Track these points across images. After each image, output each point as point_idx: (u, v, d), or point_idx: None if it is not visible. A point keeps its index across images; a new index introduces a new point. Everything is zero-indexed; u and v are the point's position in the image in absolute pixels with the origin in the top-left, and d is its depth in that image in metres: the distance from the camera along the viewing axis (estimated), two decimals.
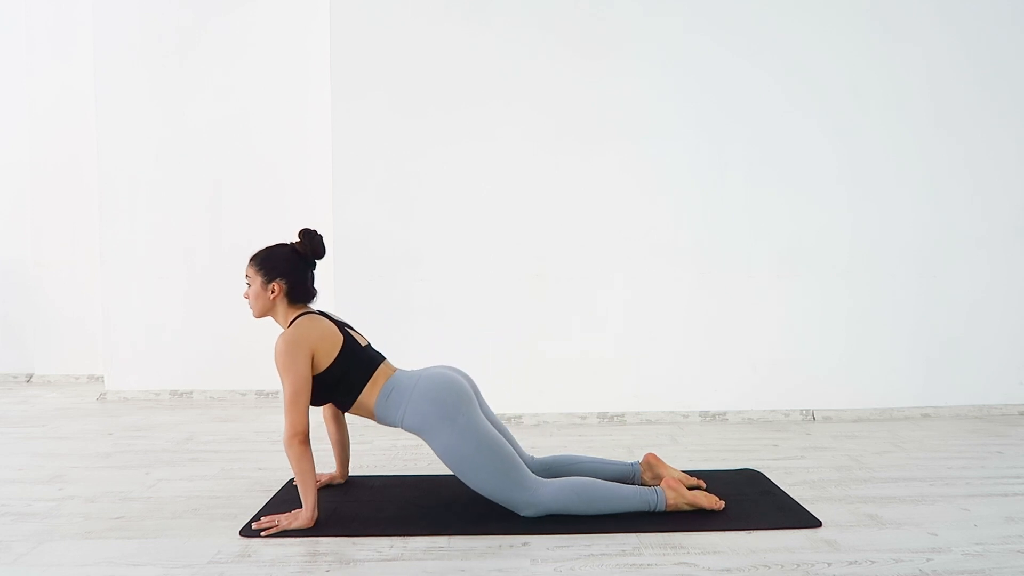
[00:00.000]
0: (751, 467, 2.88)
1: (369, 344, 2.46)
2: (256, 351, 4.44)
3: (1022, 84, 3.81)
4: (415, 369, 2.41)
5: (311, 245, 2.39)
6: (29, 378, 5.24)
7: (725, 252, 3.78)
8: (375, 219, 3.75)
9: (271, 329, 4.39)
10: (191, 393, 4.48)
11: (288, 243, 2.42)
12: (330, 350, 2.29)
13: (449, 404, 2.24)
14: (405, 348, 3.72)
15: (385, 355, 2.48)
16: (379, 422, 2.36)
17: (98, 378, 5.06)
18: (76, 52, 5.04)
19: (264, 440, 3.40)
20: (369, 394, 2.32)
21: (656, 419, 3.75)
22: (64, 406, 4.27)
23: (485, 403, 2.51)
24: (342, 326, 2.40)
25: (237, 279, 4.46)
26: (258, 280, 2.36)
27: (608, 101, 3.74)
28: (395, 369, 2.41)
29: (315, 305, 2.47)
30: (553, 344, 3.76)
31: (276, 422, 3.80)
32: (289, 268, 2.37)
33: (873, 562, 1.97)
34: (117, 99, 4.47)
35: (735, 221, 3.77)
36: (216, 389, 4.49)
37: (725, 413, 3.78)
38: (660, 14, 3.73)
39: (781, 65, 3.75)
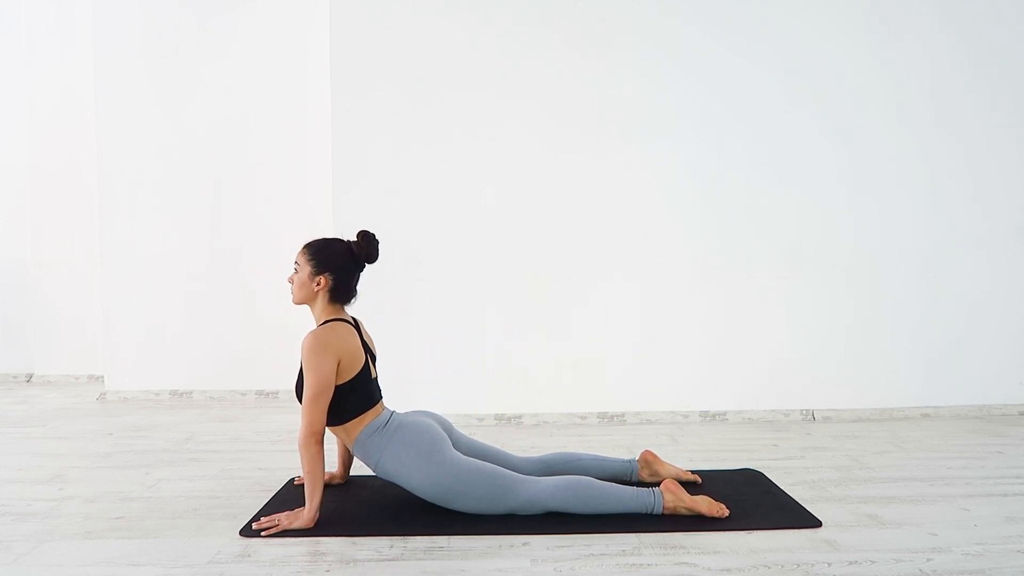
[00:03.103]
0: (751, 467, 2.87)
1: (377, 378, 2.48)
2: (256, 351, 4.46)
3: (1022, 84, 3.81)
4: (397, 414, 2.42)
5: (367, 248, 2.41)
6: (29, 378, 5.24)
7: (725, 252, 3.78)
8: (375, 219, 3.71)
9: (271, 330, 4.42)
10: (191, 393, 4.48)
11: (345, 240, 2.44)
12: (348, 370, 2.30)
13: (424, 446, 2.29)
14: (405, 348, 3.73)
15: (382, 393, 2.50)
16: (353, 454, 2.42)
17: (98, 378, 5.06)
18: (76, 52, 5.04)
19: (264, 440, 3.40)
20: (355, 426, 2.35)
21: (656, 419, 3.74)
22: (64, 406, 4.27)
23: (461, 435, 2.55)
24: (366, 349, 2.42)
25: (237, 279, 4.52)
26: (307, 269, 2.37)
27: (608, 100, 3.74)
28: (383, 409, 2.43)
29: (351, 309, 2.48)
30: (553, 344, 3.76)
31: (276, 422, 3.80)
32: (340, 265, 2.38)
33: (873, 562, 1.96)
34: (117, 99, 4.47)
35: (735, 221, 3.77)
36: (216, 389, 4.49)
37: (725, 413, 3.78)
38: (660, 14, 3.73)
39: (781, 65, 3.75)
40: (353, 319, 2.48)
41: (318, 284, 2.37)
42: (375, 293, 3.71)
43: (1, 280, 5.29)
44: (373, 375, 2.44)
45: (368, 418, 2.36)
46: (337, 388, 2.29)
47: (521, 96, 3.74)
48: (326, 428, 2.29)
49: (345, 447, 2.64)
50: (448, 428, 2.53)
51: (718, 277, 3.78)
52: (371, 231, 2.44)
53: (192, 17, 4.48)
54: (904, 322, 3.81)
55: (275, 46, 4.49)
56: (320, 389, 2.23)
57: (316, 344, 2.25)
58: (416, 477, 2.28)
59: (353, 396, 2.32)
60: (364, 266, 2.45)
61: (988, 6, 3.78)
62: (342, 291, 2.40)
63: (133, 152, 4.47)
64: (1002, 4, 3.78)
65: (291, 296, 2.43)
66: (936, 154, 3.80)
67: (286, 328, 4.04)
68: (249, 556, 2.04)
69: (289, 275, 2.43)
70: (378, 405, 2.41)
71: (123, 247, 4.48)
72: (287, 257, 2.53)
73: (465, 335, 3.75)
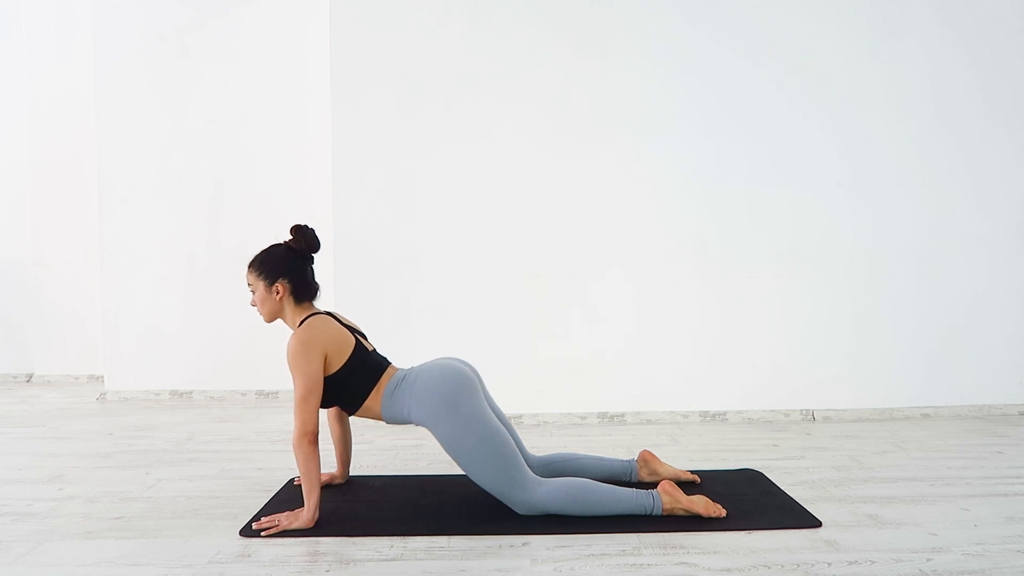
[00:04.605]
0: (751, 467, 2.88)
1: (375, 349, 2.46)
2: (256, 351, 4.45)
3: (1023, 84, 3.81)
4: (417, 366, 2.40)
5: (305, 240, 2.39)
6: (29, 378, 5.24)
7: (725, 252, 3.77)
8: (375, 219, 3.75)
9: (271, 329, 4.40)
10: (191, 393, 4.48)
11: (282, 242, 2.42)
12: (341, 354, 2.29)
13: (451, 393, 2.25)
14: (405, 348, 3.72)
15: (390, 360, 2.48)
16: (389, 422, 2.37)
17: (98, 378, 5.07)
18: (76, 52, 5.04)
19: (264, 440, 3.40)
20: (375, 398, 2.34)
21: (656, 419, 3.74)
22: (64, 406, 4.27)
23: (491, 397, 2.50)
24: (352, 330, 2.40)
25: (237, 279, 4.47)
26: (260, 285, 2.36)
27: (608, 100, 3.74)
28: (396, 370, 2.41)
29: (320, 304, 2.47)
30: (553, 344, 3.76)
31: (276, 422, 3.80)
32: (288, 267, 2.37)
33: (873, 562, 1.96)
34: (117, 99, 4.47)
35: (736, 221, 3.77)
36: (216, 389, 4.49)
37: (725, 413, 3.78)
38: (661, 13, 3.73)
39: (782, 65, 3.75)
40: (327, 312, 2.45)
41: (277, 293, 2.35)
42: (375, 293, 3.73)
43: (1, 280, 5.29)
44: (370, 348, 2.42)
45: (383, 385, 2.33)
46: (336, 376, 2.28)
47: (521, 95, 3.74)
48: (348, 418, 2.26)
49: (344, 446, 2.65)
50: (480, 380, 2.44)
51: (718, 277, 3.78)
52: (303, 223, 2.41)
53: (192, 17, 4.47)
54: (904, 322, 3.81)
55: (275, 46, 4.49)
56: (309, 388, 2.22)
57: (297, 346, 2.24)
58: (442, 427, 2.23)
59: (357, 376, 2.31)
60: (312, 258, 2.43)
61: (988, 6, 3.78)
62: (302, 289, 2.38)
63: (133, 151, 4.47)
64: (1002, 4, 3.78)
65: (262, 319, 2.41)
66: (936, 154, 3.80)
67: (286, 328, 4.02)
68: (249, 556, 2.04)
69: (250, 300, 2.40)
70: (388, 369, 2.38)
71: (123, 247, 4.48)
72: None
73: (465, 335, 3.74)
